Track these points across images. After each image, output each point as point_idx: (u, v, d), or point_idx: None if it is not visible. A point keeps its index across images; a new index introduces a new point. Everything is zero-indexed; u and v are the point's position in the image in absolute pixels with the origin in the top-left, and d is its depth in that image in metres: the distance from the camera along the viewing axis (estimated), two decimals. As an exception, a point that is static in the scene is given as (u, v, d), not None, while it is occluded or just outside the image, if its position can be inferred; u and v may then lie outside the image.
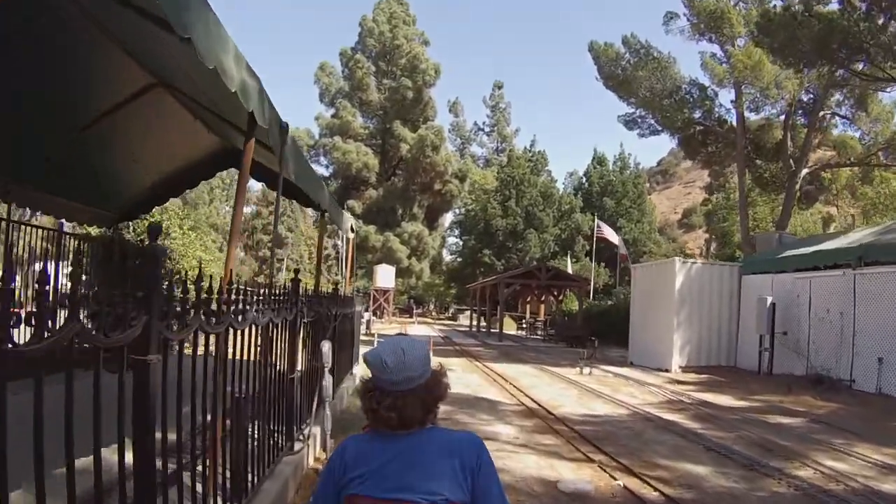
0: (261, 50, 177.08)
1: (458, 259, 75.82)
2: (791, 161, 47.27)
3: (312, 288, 10.13)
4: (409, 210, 67.78)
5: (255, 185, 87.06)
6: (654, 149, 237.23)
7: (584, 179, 74.48)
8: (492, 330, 43.65)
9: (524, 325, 49.09)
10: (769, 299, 22.68)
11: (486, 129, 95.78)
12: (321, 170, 68.20)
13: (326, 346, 8.72)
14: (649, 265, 30.76)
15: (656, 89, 47.25)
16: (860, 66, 34.76)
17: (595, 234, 50.03)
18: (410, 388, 2.36)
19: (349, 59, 69.13)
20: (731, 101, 46.67)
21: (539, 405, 14.82)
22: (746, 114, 46.37)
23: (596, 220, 51.48)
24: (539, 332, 43.15)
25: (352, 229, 16.46)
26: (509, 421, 12.92)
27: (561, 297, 44.77)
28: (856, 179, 51.73)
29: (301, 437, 7.89)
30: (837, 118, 46.96)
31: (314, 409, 8.75)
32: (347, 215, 15.48)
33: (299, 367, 7.98)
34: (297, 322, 7.64)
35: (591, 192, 70.73)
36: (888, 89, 41.24)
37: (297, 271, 8.20)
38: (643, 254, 65.17)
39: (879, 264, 19.53)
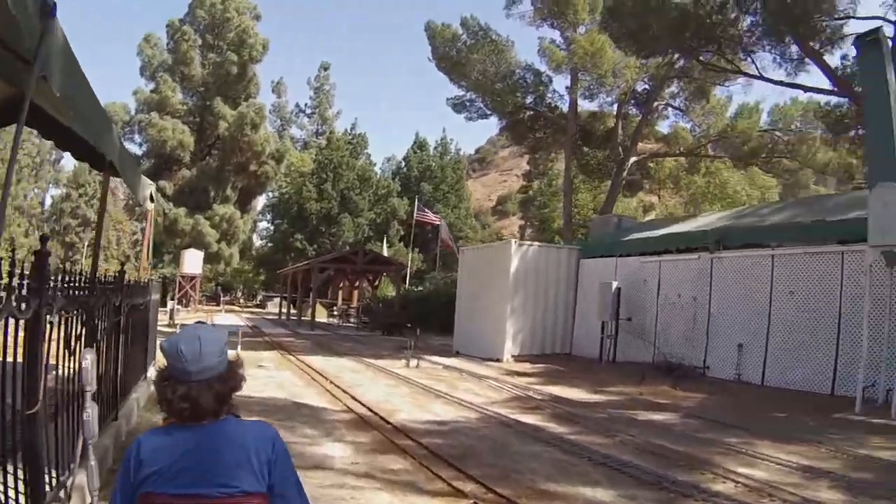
0: (85, 25, 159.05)
1: (269, 244, 71.66)
2: (620, 149, 47.28)
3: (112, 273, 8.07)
4: (223, 192, 62.51)
5: (67, 165, 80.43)
6: (473, 136, 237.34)
7: (403, 164, 72.38)
8: (303, 318, 40.30)
9: (336, 313, 46.09)
10: (615, 284, 20.98)
11: (308, 111, 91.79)
12: (135, 148, 61.92)
13: (89, 359, 5.28)
14: (480, 248, 28.33)
15: (490, 72, 45.95)
16: (707, 57, 34.99)
17: (414, 218, 47.67)
18: (205, 378, 2.28)
19: (176, 30, 63.03)
20: (567, 88, 46.00)
21: (371, 410, 11.94)
22: (579, 101, 45.85)
23: (416, 203, 49.17)
24: (353, 320, 40.27)
25: (151, 199, 13.04)
26: (340, 436, 9.95)
27: (377, 283, 42.04)
28: (681, 170, 52.70)
29: (60, 497, 5.09)
30: (670, 109, 47.55)
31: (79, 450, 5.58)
32: (147, 181, 12.23)
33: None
34: (41, 320, 4.51)
35: (410, 177, 69.00)
36: (727, 83, 42.07)
37: (44, 239, 4.69)
38: (458, 239, 63.99)
39: (735, 248, 18.31)
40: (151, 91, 61.82)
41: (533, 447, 9.59)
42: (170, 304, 35.97)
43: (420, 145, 70.96)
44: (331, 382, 15.46)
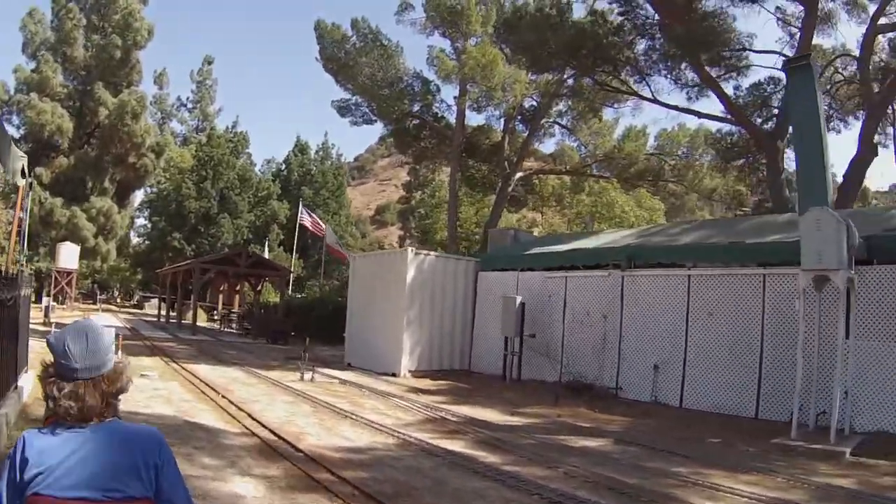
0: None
1: (146, 242, 67.48)
2: (506, 164, 46.98)
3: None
4: (100, 184, 57.73)
5: None
6: (352, 144, 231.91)
7: (283, 166, 69.91)
8: (183, 321, 37.90)
9: (217, 317, 43.63)
10: (518, 298, 20.03)
11: (189, 105, 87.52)
12: (12, 130, 56.79)
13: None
14: (373, 255, 26.62)
15: (377, 77, 44.87)
16: (601, 77, 35.18)
17: (298, 222, 45.77)
18: (91, 377, 2.19)
19: (61, 7, 57.99)
20: (455, 98, 45.24)
21: (275, 434, 10.41)
22: (467, 113, 45.33)
23: (300, 207, 47.26)
24: (234, 326, 37.98)
25: (23, 173, 11.40)
26: (247, 468, 8.38)
27: (259, 288, 39.88)
28: (565, 188, 53.06)
29: None
30: (556, 127, 47.69)
31: None
32: (18, 153, 10.65)
33: None
34: None
35: (291, 180, 66.80)
36: (617, 105, 42.70)
37: None
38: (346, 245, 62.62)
39: (648, 267, 17.78)
40: (32, 71, 56.98)
41: (473, 482, 8.37)
42: (44, 300, 33.21)
43: (301, 148, 68.73)
44: (223, 397, 13.73)
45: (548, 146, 51.33)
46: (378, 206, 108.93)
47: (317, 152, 69.37)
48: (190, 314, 41.89)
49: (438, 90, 46.74)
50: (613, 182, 45.33)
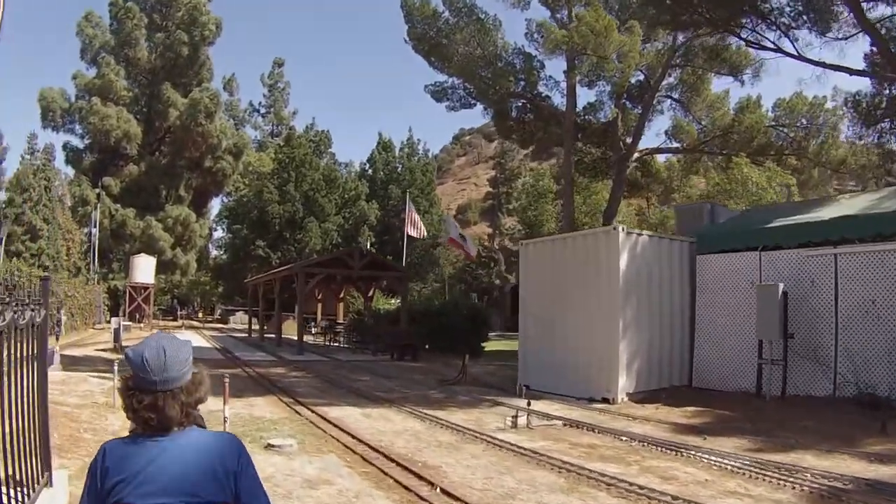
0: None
1: (226, 253, 60.93)
2: (622, 144, 41.23)
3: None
4: (175, 191, 52.07)
5: (10, 166, 69.40)
6: (430, 144, 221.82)
7: (367, 166, 64.15)
8: (282, 336, 31.88)
9: (315, 329, 38.32)
10: (780, 287, 14.06)
11: (262, 111, 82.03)
12: (75, 140, 51.78)
13: None
14: (557, 239, 18.46)
15: (475, 55, 39.34)
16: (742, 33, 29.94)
17: (407, 221, 40.18)
18: (170, 388, 2.18)
19: (119, 8, 52.80)
20: (564, 72, 39.45)
21: None
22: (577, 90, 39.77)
23: (408, 203, 41.71)
24: (340, 339, 32.59)
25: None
26: None
27: (371, 293, 34.03)
28: (674, 170, 47.37)
29: None
30: (667, 104, 42.06)
31: None
32: None
33: None
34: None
35: (376, 180, 60.67)
36: (739, 72, 36.97)
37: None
38: (435, 246, 57.23)
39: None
40: (94, 76, 51.87)
41: None
42: (113, 321, 26.69)
43: (385, 146, 62.38)
44: (440, 491, 7.19)
45: (657, 124, 45.50)
46: (459, 206, 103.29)
47: (401, 149, 63.78)
48: (287, 327, 36.77)
49: (542, 66, 41.05)
50: (743, 157, 39.01)
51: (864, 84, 29.88)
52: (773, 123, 39.29)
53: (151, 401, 2.14)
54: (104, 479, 2.13)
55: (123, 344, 22.39)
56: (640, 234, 15.85)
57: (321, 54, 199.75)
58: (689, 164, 46.91)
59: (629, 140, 41.43)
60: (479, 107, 42.90)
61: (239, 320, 50.11)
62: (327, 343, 31.40)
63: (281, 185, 52.87)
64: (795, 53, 29.58)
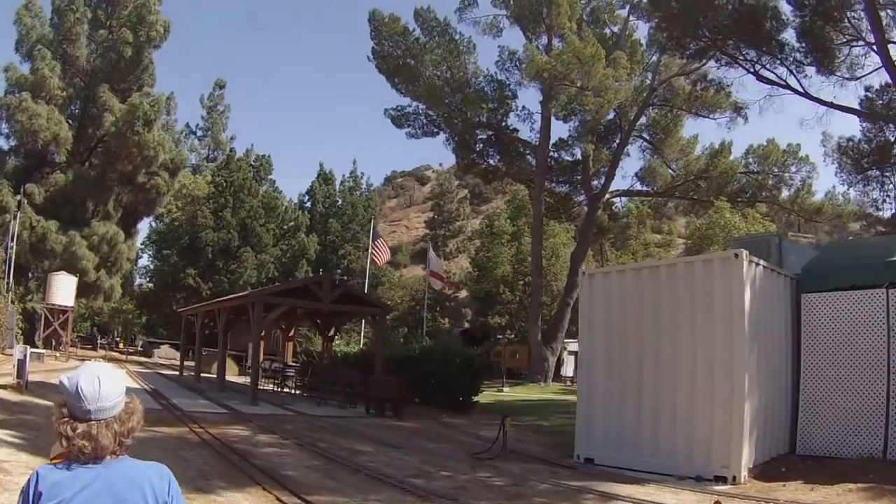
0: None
1: (153, 280, 55.25)
2: (591, 185, 38.39)
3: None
4: (104, 206, 43.96)
5: None
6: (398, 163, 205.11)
7: (306, 198, 59.29)
8: (219, 378, 25.47)
9: (254, 371, 32.73)
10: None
11: (199, 133, 75.76)
12: (0, 140, 45.39)
13: None
14: (649, 268, 13.88)
15: (444, 78, 36.12)
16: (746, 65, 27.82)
17: (373, 249, 35.51)
18: (104, 417, 2.16)
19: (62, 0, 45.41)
20: (540, 102, 36.30)
21: None
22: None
23: (373, 232, 37.28)
24: (289, 385, 27.33)
25: None
26: None
27: (331, 333, 27.41)
28: (641, 215, 45.01)
29: None
30: (637, 146, 39.72)
31: None
32: None
33: None
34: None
35: (315, 213, 56.15)
36: (716, 115, 35.35)
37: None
38: (376, 286, 52.95)
39: None
40: (27, 73, 44.83)
41: None
42: (16, 350, 18.84)
43: (325, 178, 57.65)
44: None
45: (626, 167, 43.33)
46: (390, 247, 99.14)
47: (342, 182, 59.31)
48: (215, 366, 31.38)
49: (515, 96, 37.87)
50: (724, 202, 36.67)
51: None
52: (745, 171, 37.58)
53: (85, 429, 2.11)
54: (36, 503, 2.08)
55: (30, 379, 17.14)
56: (757, 264, 11.98)
57: (263, 78, 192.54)
58: (655, 209, 44.67)
59: (596, 182, 38.65)
60: (442, 136, 39.40)
61: (164, 354, 43.85)
62: (276, 390, 26.28)
63: (217, 210, 47.58)
64: (802, 90, 27.95)
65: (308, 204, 58.09)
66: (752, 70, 27.64)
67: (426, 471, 10.90)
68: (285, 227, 52.20)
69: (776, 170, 37.01)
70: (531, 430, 16.80)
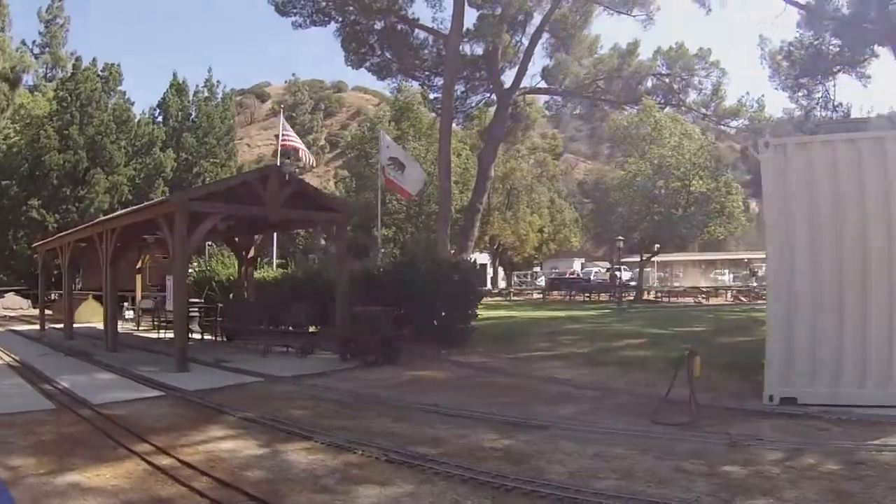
0: None
1: None
2: (500, 81, 34.38)
3: None
4: None
5: None
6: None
7: (157, 112, 50.81)
8: (110, 333, 17.66)
9: (136, 313, 26.09)
10: None
11: (36, 50, 64.55)
12: None
13: None
14: (873, 137, 8.86)
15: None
16: None
17: (279, 145, 29.09)
18: None
19: None
20: (447, -15, 31.19)
21: None
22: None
23: (282, 123, 31.12)
24: (157, 323, 20.72)
25: None
26: None
27: (249, 254, 22.23)
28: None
29: None
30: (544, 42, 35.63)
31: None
32: None
33: None
34: None
35: (168, 126, 48.80)
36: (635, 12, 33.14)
37: None
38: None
39: None
40: None
41: None
42: None
43: (179, 88, 49.50)
44: None
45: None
46: (259, 155, 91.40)
47: (196, 93, 51.56)
48: (86, 311, 24.90)
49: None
50: (654, 102, 34.31)
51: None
52: (666, 72, 35.14)
53: None
54: None
55: None
56: None
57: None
58: (559, 108, 41.54)
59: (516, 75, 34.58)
60: (333, 26, 33.56)
61: (10, 304, 35.61)
62: (160, 335, 20.10)
63: (62, 128, 39.54)
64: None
65: (160, 119, 50.04)
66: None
67: (669, 476, 6.24)
68: (138, 143, 44.38)
69: (685, 74, 34.48)
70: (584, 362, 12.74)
